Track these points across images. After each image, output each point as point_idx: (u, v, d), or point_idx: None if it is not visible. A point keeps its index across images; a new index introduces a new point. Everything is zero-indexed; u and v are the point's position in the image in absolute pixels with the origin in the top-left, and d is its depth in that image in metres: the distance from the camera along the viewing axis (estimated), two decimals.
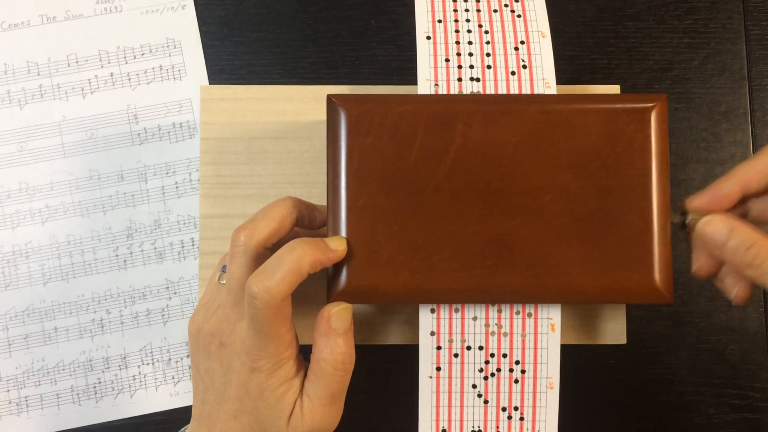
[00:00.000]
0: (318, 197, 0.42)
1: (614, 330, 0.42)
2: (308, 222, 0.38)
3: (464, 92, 0.37)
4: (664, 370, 0.49)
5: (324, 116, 0.37)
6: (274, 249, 0.34)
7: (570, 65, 0.51)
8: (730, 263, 0.34)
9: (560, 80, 0.49)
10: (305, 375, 0.35)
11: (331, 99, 0.36)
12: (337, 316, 0.34)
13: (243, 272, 0.35)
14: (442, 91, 0.37)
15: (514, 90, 0.37)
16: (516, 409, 0.38)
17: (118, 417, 0.48)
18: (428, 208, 0.36)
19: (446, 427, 0.38)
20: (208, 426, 0.35)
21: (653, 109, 0.36)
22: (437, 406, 0.38)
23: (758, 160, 0.35)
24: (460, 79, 0.38)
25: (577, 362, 0.48)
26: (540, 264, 0.36)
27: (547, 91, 0.38)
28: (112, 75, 0.50)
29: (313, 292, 0.39)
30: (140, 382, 0.48)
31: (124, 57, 0.50)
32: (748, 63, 0.51)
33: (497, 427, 0.38)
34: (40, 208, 0.49)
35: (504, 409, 0.38)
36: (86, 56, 0.50)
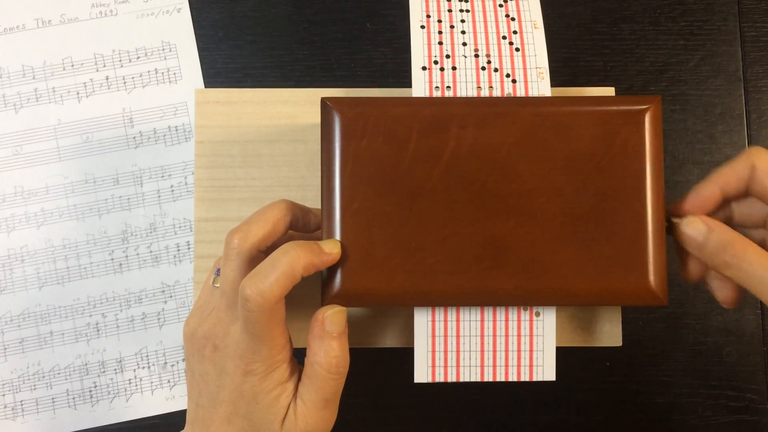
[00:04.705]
0: (313, 200, 0.42)
1: (610, 332, 0.42)
2: (303, 225, 0.38)
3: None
4: (660, 372, 0.49)
5: (319, 119, 0.37)
6: (268, 252, 0.34)
7: (566, 67, 0.51)
8: (710, 265, 0.35)
9: (555, 82, 0.49)
10: (299, 378, 0.35)
11: (325, 102, 0.36)
12: (332, 319, 0.34)
13: (236, 275, 0.34)
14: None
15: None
16: None
17: (113, 421, 0.48)
18: (423, 210, 0.36)
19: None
20: (202, 430, 0.35)
21: (647, 110, 0.36)
22: None
23: (737, 163, 0.35)
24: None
25: (573, 364, 0.48)
26: (535, 266, 0.36)
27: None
28: (107, 78, 0.50)
29: (307, 295, 0.39)
30: (136, 386, 0.48)
31: (120, 60, 0.50)
32: (743, 65, 0.51)
33: None
34: (35, 211, 0.49)
35: None
36: (81, 60, 0.50)
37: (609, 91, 0.43)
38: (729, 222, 0.36)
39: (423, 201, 0.36)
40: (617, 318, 0.42)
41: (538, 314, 0.37)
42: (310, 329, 0.35)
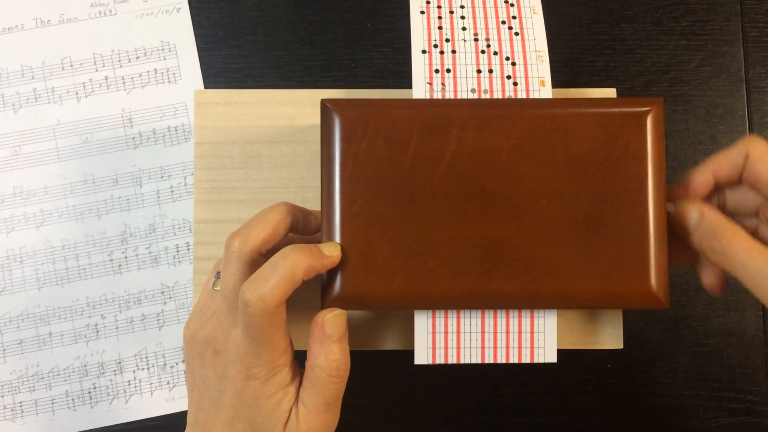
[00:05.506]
0: (313, 202, 0.41)
1: (611, 335, 0.42)
2: (303, 228, 0.37)
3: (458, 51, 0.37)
4: (661, 374, 0.49)
5: (318, 120, 0.37)
6: (268, 255, 0.34)
7: (567, 68, 0.50)
8: (699, 249, 0.35)
9: (557, 83, 0.48)
10: (301, 382, 0.35)
11: (325, 104, 0.36)
12: (332, 322, 0.34)
13: (237, 279, 0.34)
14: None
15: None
16: None
17: (113, 422, 0.48)
18: (423, 212, 0.36)
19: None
20: None
21: (649, 113, 0.36)
22: None
23: (730, 151, 0.35)
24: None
25: (574, 366, 0.48)
26: (536, 269, 0.35)
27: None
28: (106, 78, 0.50)
29: (307, 297, 0.39)
30: (135, 387, 0.48)
31: (119, 60, 0.50)
32: (745, 65, 0.51)
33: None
34: (34, 212, 0.49)
35: None
36: (81, 60, 0.50)
37: (610, 92, 0.43)
38: (722, 209, 0.37)
39: (423, 203, 0.36)
40: (618, 320, 0.42)
41: None
42: (311, 333, 0.34)
